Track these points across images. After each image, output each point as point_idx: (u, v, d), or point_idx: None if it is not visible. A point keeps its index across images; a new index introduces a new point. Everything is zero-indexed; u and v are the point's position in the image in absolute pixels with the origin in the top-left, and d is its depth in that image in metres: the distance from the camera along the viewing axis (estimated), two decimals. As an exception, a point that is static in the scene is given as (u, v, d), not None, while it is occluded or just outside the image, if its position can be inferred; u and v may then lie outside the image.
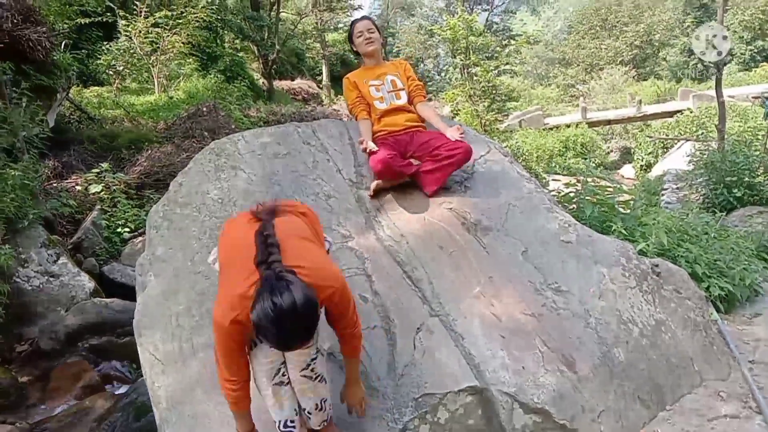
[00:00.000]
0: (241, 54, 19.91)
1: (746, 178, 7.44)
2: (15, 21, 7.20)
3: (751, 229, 5.54)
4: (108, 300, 5.47)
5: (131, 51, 13.07)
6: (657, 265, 3.20)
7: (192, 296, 2.84)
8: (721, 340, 3.13)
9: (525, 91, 29.76)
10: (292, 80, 24.39)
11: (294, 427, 2.08)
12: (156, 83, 13.66)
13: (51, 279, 5.45)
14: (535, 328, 2.62)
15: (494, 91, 16.53)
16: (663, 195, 10.03)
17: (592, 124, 21.94)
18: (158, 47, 13.44)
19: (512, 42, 19.69)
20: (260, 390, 2.03)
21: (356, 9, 27.84)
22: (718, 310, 3.43)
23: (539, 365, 2.47)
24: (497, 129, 16.68)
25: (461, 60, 16.87)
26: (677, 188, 9.93)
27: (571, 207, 4.25)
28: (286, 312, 1.66)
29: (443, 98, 21.52)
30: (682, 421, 2.58)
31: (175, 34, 13.51)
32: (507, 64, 18.59)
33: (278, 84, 21.89)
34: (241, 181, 3.42)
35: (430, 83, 35.44)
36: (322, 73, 28.70)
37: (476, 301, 2.72)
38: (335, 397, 2.22)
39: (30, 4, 7.88)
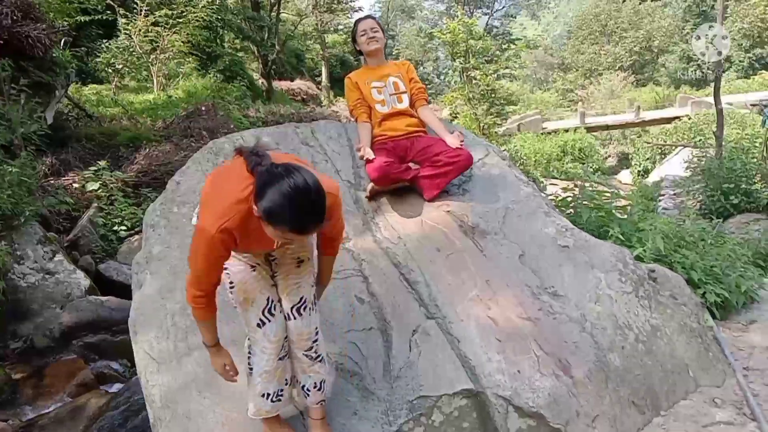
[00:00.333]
0: (240, 54, 19.91)
1: (743, 186, 7.47)
2: (15, 17, 7.19)
3: (747, 236, 5.55)
4: (103, 298, 5.45)
5: (131, 49, 13.06)
6: (653, 271, 3.20)
7: (188, 295, 2.83)
8: (717, 347, 3.13)
9: (524, 96, 29.89)
10: (292, 81, 24.40)
11: (282, 395, 2.14)
12: (155, 82, 13.65)
13: (47, 276, 5.43)
14: (531, 332, 2.62)
15: (493, 95, 16.59)
16: (660, 201, 10.06)
17: (590, 129, 22.02)
18: (158, 46, 13.43)
19: (512, 46, 19.79)
20: (253, 359, 2.07)
21: (356, 11, 27.92)
22: (713, 317, 3.44)
23: (535, 369, 2.47)
24: (496, 132, 16.74)
25: (461, 63, 16.93)
26: (674, 194, 9.95)
27: (568, 211, 4.25)
28: (301, 189, 1.65)
29: (442, 101, 21.58)
30: (676, 426, 2.58)
31: (175, 33, 13.50)
32: (506, 68, 18.68)
33: (277, 84, 21.88)
34: (239, 180, 3.41)
35: (429, 86, 35.50)
36: (321, 74, 28.75)
37: (473, 304, 2.72)
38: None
39: (30, 1, 7.87)
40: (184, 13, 13.52)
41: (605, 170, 19.65)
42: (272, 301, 2.05)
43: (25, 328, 5.10)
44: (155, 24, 13.16)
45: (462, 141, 3.30)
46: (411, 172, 3.28)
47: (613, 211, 4.21)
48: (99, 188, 7.47)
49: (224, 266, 1.95)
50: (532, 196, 3.43)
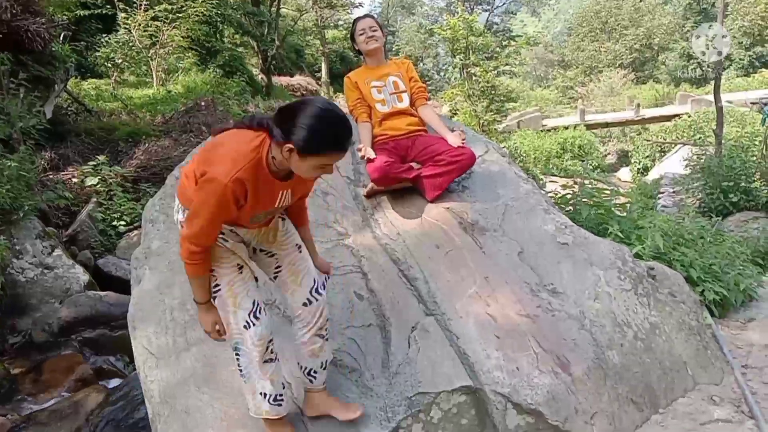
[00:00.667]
0: (240, 49, 19.84)
1: (743, 184, 7.48)
2: (14, 11, 7.16)
3: (746, 234, 5.56)
4: (102, 293, 5.45)
5: (130, 44, 13.03)
6: (652, 269, 3.20)
7: (187, 290, 2.82)
8: (715, 345, 3.14)
9: (524, 92, 29.84)
10: (291, 77, 24.34)
11: (282, 400, 2.14)
12: (154, 77, 13.63)
13: (45, 271, 5.43)
14: (530, 329, 2.62)
15: (493, 92, 16.56)
16: (659, 198, 10.07)
17: (590, 127, 22.01)
18: (157, 41, 13.41)
19: (512, 43, 19.76)
20: (251, 363, 2.06)
21: (357, 6, 27.86)
22: (712, 315, 3.44)
23: (533, 366, 2.47)
24: (495, 129, 16.72)
25: (461, 60, 16.90)
26: (674, 192, 9.96)
27: (567, 209, 4.25)
28: (329, 106, 1.74)
29: (442, 97, 21.56)
30: (675, 424, 2.58)
31: (174, 27, 13.47)
32: (506, 64, 18.63)
33: (277, 80, 21.83)
34: (238, 176, 3.41)
35: (429, 82, 35.47)
36: (321, 70, 28.67)
37: (472, 301, 2.72)
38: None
39: (29, -6, 7.84)
40: (184, 8, 13.48)
41: (605, 168, 19.61)
42: (258, 304, 2.05)
43: (24, 322, 5.10)
44: (155, 18, 13.13)
45: (463, 139, 3.29)
46: (413, 172, 3.26)
47: (613, 208, 4.21)
48: (98, 183, 7.47)
49: (211, 268, 1.96)
50: (531, 193, 3.43)
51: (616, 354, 2.66)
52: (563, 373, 2.48)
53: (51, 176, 7.47)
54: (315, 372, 2.20)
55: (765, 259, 4.64)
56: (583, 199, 4.25)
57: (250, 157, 1.76)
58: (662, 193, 10.56)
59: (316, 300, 2.14)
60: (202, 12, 13.86)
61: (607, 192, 4.42)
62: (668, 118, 19.59)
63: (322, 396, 2.26)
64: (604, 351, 2.63)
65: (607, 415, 2.50)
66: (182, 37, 13.73)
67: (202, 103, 10.95)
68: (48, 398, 4.32)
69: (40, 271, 5.39)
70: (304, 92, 23.36)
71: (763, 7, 28.05)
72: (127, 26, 13.09)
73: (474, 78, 16.33)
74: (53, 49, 8.51)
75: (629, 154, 20.56)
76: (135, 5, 13.25)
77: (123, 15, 13.16)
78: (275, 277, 2.17)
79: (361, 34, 3.44)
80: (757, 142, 9.72)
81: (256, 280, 2.12)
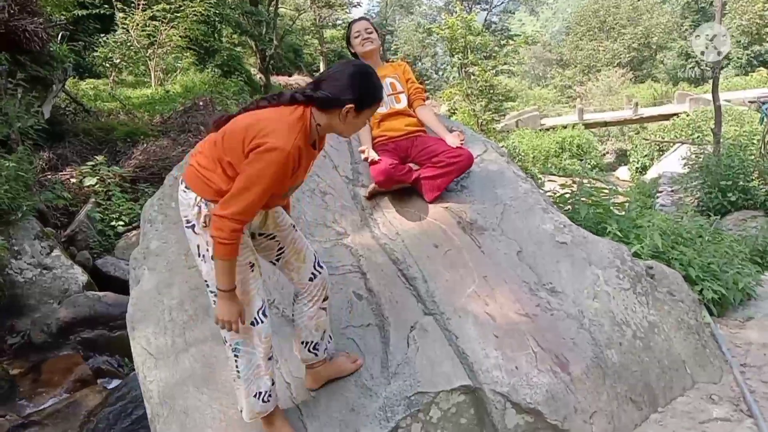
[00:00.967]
0: (238, 49, 19.82)
1: (741, 182, 7.49)
2: (12, 11, 7.16)
3: (744, 233, 5.56)
4: (101, 293, 5.45)
5: (128, 44, 13.02)
6: (651, 268, 3.20)
7: (185, 291, 2.83)
8: (714, 343, 3.14)
9: (522, 92, 29.82)
10: (290, 76, 24.32)
11: (272, 396, 2.17)
12: (153, 77, 13.61)
13: (44, 271, 5.42)
14: (528, 329, 2.62)
15: (491, 91, 16.55)
16: (658, 197, 10.08)
17: (588, 126, 21.99)
18: (155, 40, 13.39)
19: (510, 42, 19.73)
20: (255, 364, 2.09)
21: (355, 6, 27.83)
22: (711, 313, 3.44)
23: (532, 365, 2.47)
24: (494, 129, 16.70)
25: (459, 59, 16.87)
26: (672, 191, 9.97)
27: (566, 208, 4.25)
28: (366, 65, 1.99)
29: (441, 97, 21.54)
30: (674, 423, 2.59)
31: (172, 27, 13.45)
32: (505, 64, 18.61)
33: (275, 79, 21.80)
34: (236, 176, 3.40)
35: (427, 82, 35.45)
36: (319, 69, 28.65)
37: (471, 300, 2.72)
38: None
39: (27, -6, 7.83)
40: (182, 8, 13.46)
41: (603, 167, 19.63)
42: (265, 303, 2.09)
43: (23, 323, 5.10)
44: (153, 18, 13.12)
45: (462, 140, 3.29)
46: (413, 174, 3.27)
47: (611, 207, 4.21)
48: (96, 183, 7.46)
49: None
50: (530, 192, 3.43)
51: (615, 353, 2.66)
52: (562, 373, 2.48)
53: (49, 176, 7.45)
54: (318, 345, 2.29)
55: (763, 258, 4.64)
56: (582, 199, 4.24)
57: (298, 126, 1.85)
58: (661, 192, 10.58)
59: (320, 273, 2.25)
60: (200, 11, 13.85)
61: (606, 191, 4.42)
62: (666, 117, 19.58)
63: (324, 366, 2.36)
64: (602, 350, 2.63)
65: (606, 414, 2.50)
66: (180, 36, 13.72)
67: (201, 103, 10.93)
68: (47, 399, 4.32)
69: (39, 271, 5.39)
70: (303, 92, 23.31)
71: (761, 6, 28.05)
72: (125, 26, 13.08)
73: (472, 77, 16.31)
74: (51, 49, 8.51)
75: (628, 153, 20.55)
76: (133, 5, 13.23)
77: (121, 15, 13.15)
78: (278, 259, 2.22)
79: (356, 37, 3.45)
80: (755, 141, 9.74)
81: (277, 260, 2.22)
